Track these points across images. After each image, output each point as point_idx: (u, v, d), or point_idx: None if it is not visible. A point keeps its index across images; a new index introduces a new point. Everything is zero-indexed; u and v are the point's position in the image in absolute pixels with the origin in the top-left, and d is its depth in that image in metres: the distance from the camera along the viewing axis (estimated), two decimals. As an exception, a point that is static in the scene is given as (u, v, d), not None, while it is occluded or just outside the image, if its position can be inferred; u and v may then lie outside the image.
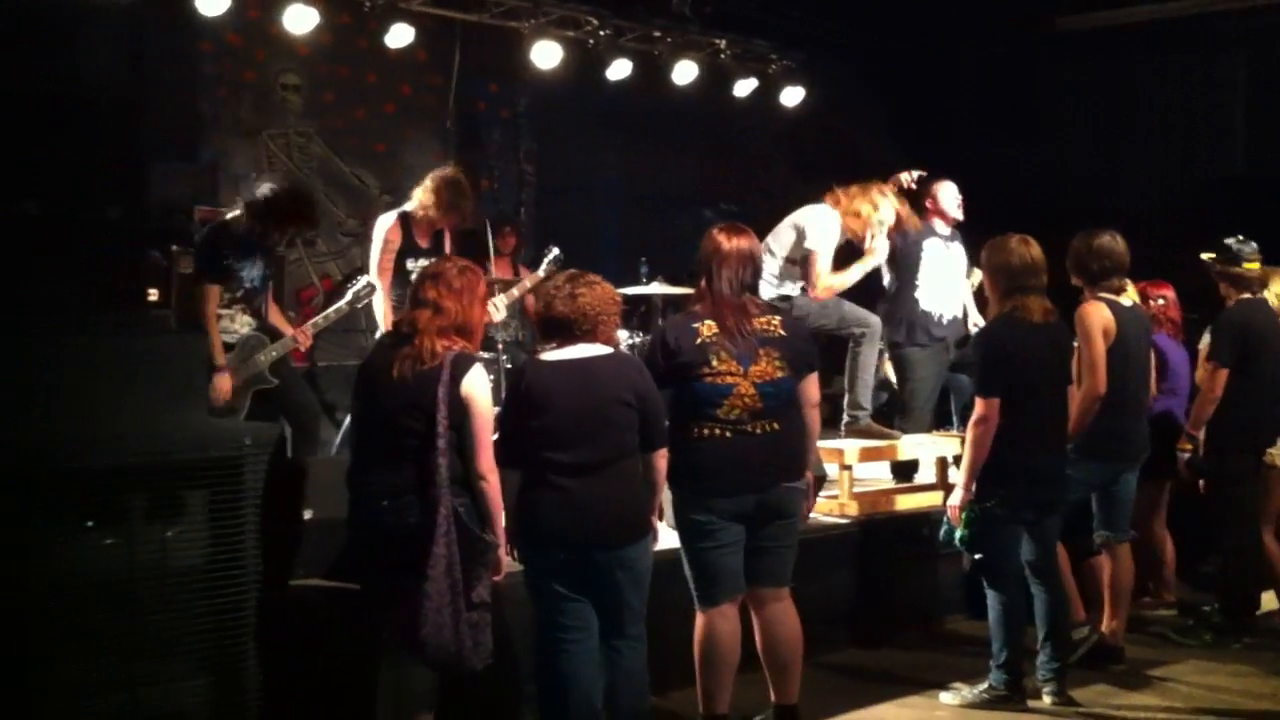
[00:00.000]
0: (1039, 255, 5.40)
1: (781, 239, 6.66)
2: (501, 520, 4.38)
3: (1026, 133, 10.45)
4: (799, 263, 6.59)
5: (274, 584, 4.58)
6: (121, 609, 4.24)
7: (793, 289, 6.67)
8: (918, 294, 7.17)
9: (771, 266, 6.49)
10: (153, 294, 6.77)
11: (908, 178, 7.17)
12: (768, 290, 6.54)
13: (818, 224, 6.59)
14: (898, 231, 6.76)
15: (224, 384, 5.84)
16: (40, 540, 4.14)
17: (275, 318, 6.33)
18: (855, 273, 6.65)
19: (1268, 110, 9.91)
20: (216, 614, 4.39)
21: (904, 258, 7.09)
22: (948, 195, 7.28)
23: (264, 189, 6.12)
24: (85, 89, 6.75)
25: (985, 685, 5.40)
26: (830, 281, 6.55)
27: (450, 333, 4.34)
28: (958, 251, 7.35)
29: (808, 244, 6.55)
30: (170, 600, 4.32)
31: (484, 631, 4.26)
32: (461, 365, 4.29)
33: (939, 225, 7.26)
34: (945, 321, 7.22)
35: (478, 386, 4.30)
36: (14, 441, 4.06)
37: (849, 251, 6.75)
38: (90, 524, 4.28)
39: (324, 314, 6.39)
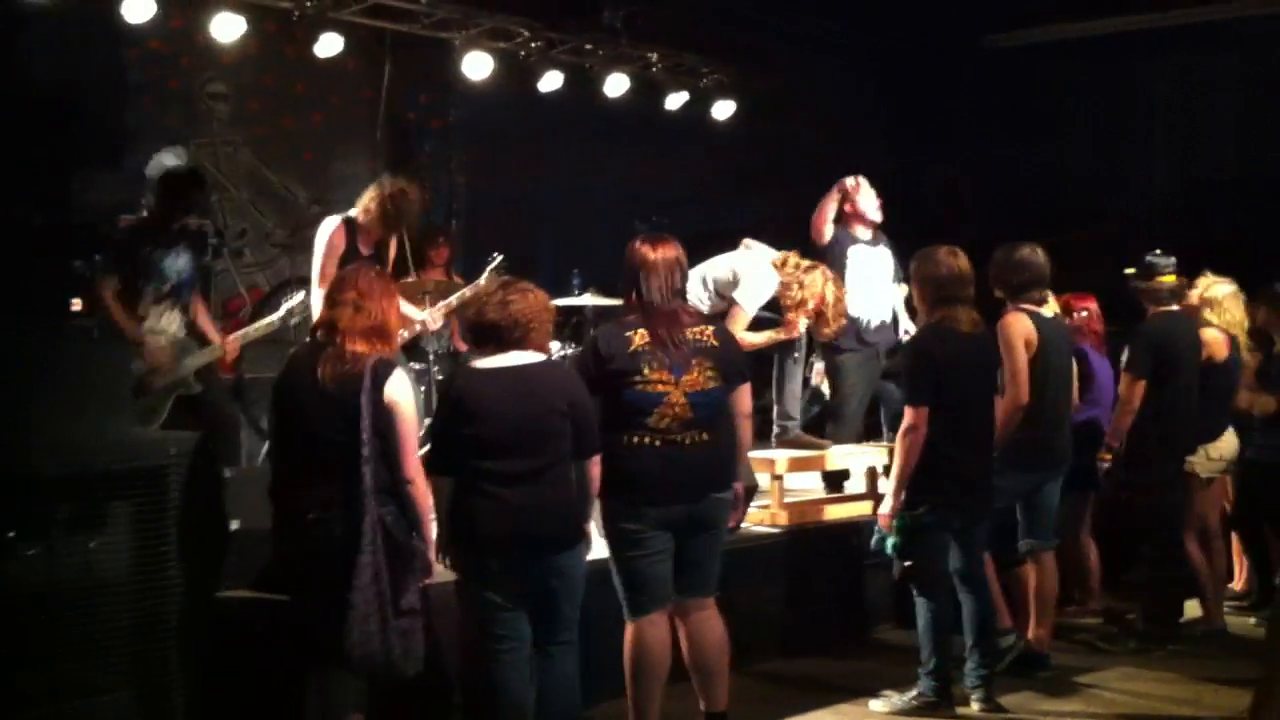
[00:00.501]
0: (966, 266, 5.48)
1: (718, 274, 6.72)
2: (431, 524, 4.35)
3: (1026, 133, 10.48)
4: (725, 304, 6.66)
5: (199, 594, 4.51)
6: (44, 619, 4.18)
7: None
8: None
9: (701, 294, 6.56)
10: (76, 304, 6.67)
11: (852, 182, 7.23)
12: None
13: (754, 283, 6.65)
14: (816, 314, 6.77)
15: (155, 347, 5.79)
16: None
17: (203, 321, 6.26)
18: (763, 339, 6.71)
19: (1260, 113, 10.01)
20: (141, 625, 4.34)
21: (829, 265, 7.07)
22: (867, 198, 7.29)
23: (160, 160, 6.10)
24: (14, 88, 6.64)
25: (914, 692, 5.44)
26: (742, 337, 6.42)
27: (371, 335, 4.31)
28: (884, 255, 7.38)
29: (737, 295, 6.62)
30: (94, 611, 4.26)
31: (413, 638, 4.23)
32: (383, 370, 4.26)
33: (860, 230, 7.29)
34: (874, 327, 7.26)
35: (400, 391, 4.28)
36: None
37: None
38: (11, 534, 4.21)
39: (254, 325, 6.33)
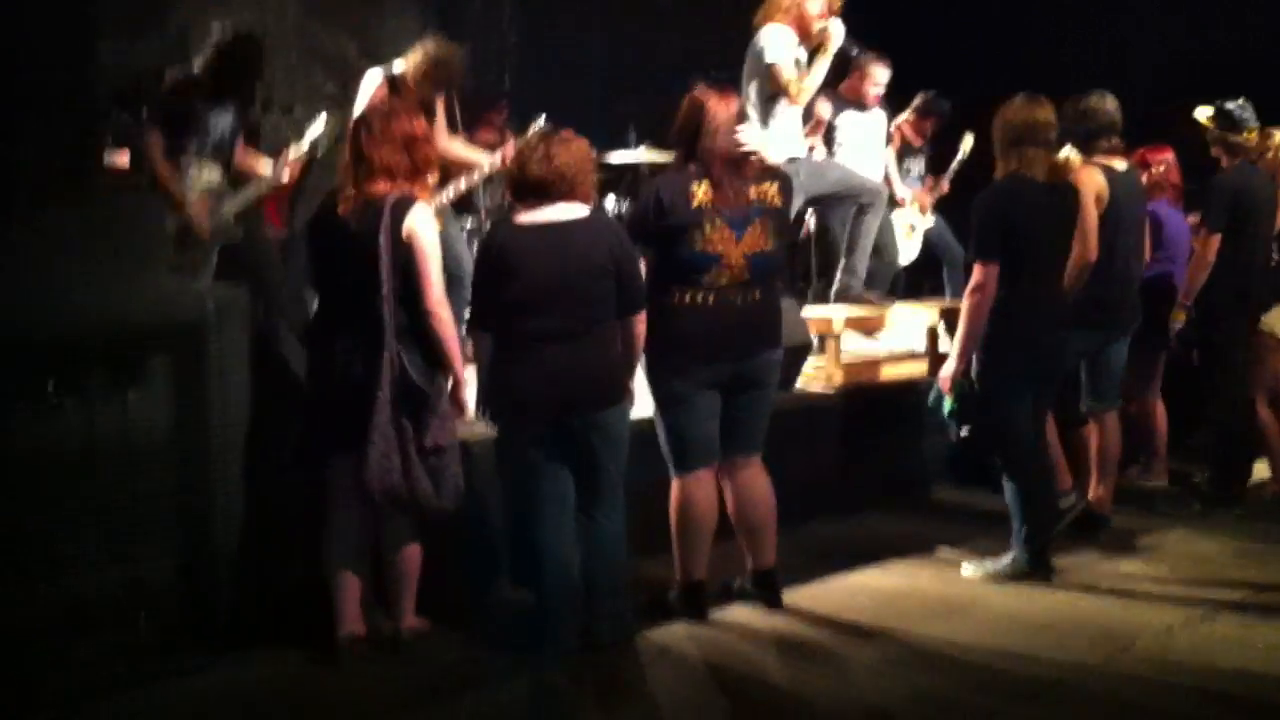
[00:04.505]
0: (1046, 113, 5.15)
1: (748, 77, 6.43)
2: (457, 353, 4.30)
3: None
4: (771, 94, 6.37)
5: (239, 451, 4.49)
6: (84, 480, 4.17)
7: (792, 147, 6.48)
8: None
9: (754, 120, 6.31)
10: (123, 160, 6.59)
11: (873, 66, 7.26)
12: (770, 150, 6.34)
13: (767, 39, 6.36)
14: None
15: (199, 211, 5.73)
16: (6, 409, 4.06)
17: (245, 163, 6.15)
18: (820, 67, 6.40)
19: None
20: (181, 483, 4.33)
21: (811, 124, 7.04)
22: (875, 82, 7.33)
23: (217, 33, 5.95)
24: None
25: (1008, 559, 5.25)
26: (803, 85, 6.33)
27: (382, 177, 4.24)
28: (878, 118, 7.45)
29: (766, 59, 6.33)
30: (134, 469, 4.25)
31: (444, 474, 4.23)
32: (401, 207, 4.21)
33: (853, 100, 7.34)
34: None
35: (420, 225, 4.22)
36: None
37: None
38: (50, 392, 4.17)
39: (282, 158, 6.18)
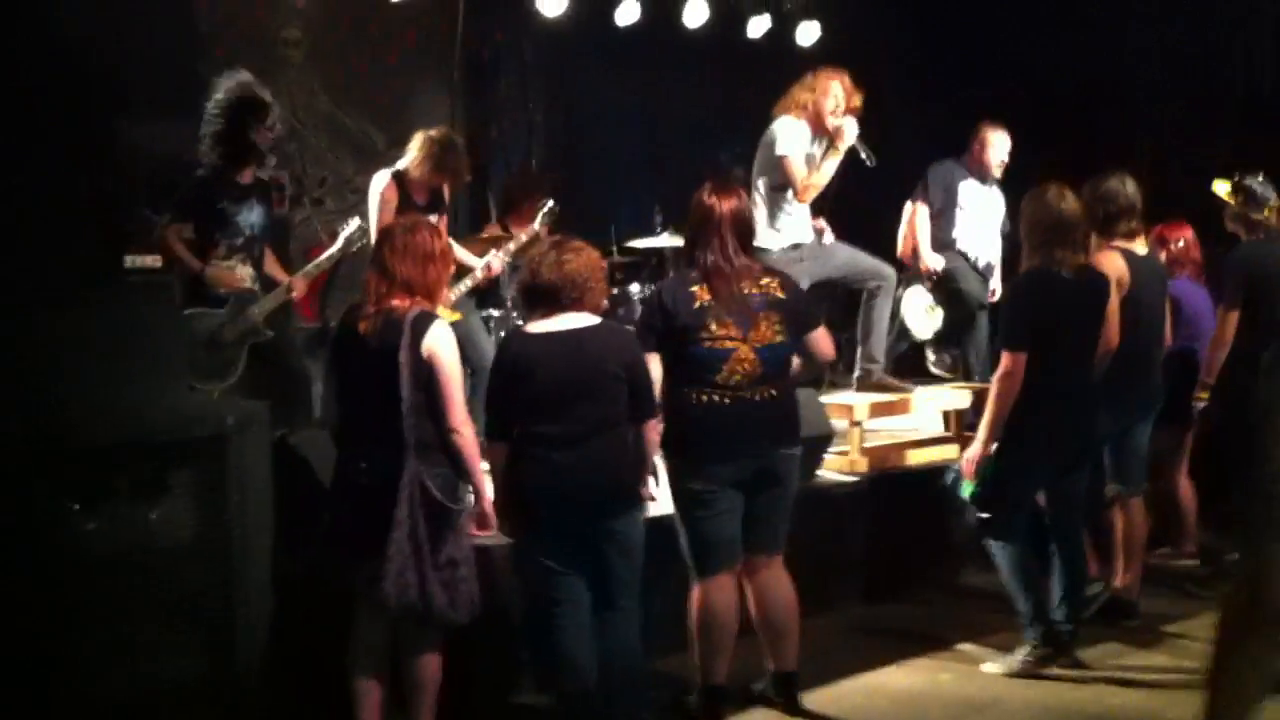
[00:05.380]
0: (1076, 208, 5.23)
1: (759, 168, 6.52)
2: (480, 471, 4.35)
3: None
4: (780, 184, 6.44)
5: (261, 561, 4.54)
6: (113, 588, 4.23)
7: (798, 234, 6.53)
8: (955, 232, 7.19)
9: (761, 209, 6.38)
10: (154, 260, 6.68)
11: (989, 132, 7.21)
12: (771, 238, 6.41)
13: (781, 131, 6.44)
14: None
15: (229, 277, 5.83)
16: (27, 519, 4.12)
17: (272, 268, 6.27)
18: (830, 165, 6.43)
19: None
20: (204, 592, 4.39)
21: (929, 192, 7.15)
22: (996, 151, 7.22)
23: (227, 85, 6.05)
24: (80, 38, 6.58)
25: (1025, 649, 5.22)
26: (811, 181, 6.38)
27: (402, 292, 4.32)
28: (995, 197, 7.34)
29: (778, 151, 6.40)
30: (157, 580, 4.30)
31: (460, 587, 4.29)
32: (421, 324, 4.28)
33: (974, 169, 7.25)
34: (981, 266, 7.27)
35: (440, 343, 4.28)
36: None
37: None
38: (76, 505, 4.24)
39: (315, 262, 6.31)
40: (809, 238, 6.62)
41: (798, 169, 6.36)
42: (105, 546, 4.22)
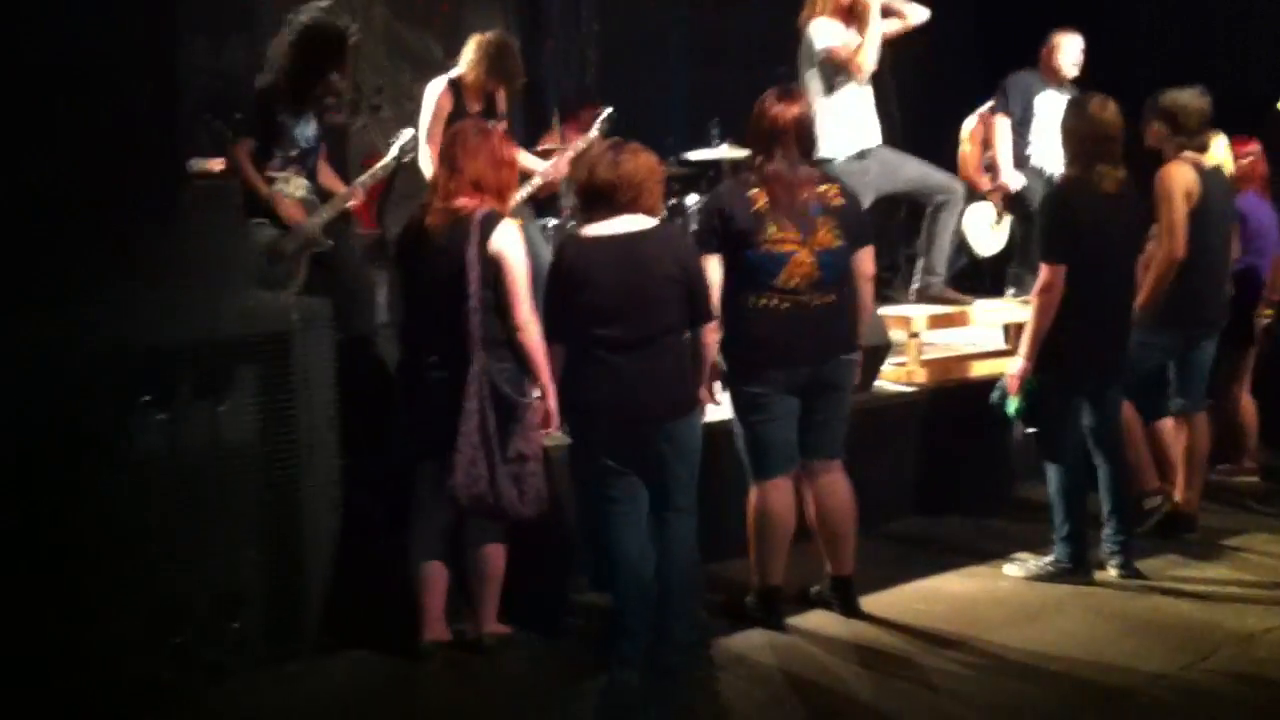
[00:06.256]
0: (1116, 120, 5.15)
1: (807, 80, 6.37)
2: (544, 365, 4.38)
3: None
4: (832, 85, 6.34)
5: (326, 460, 4.61)
6: (175, 486, 4.31)
7: (862, 138, 6.45)
8: (1030, 149, 6.97)
9: (820, 119, 6.28)
10: (218, 165, 6.71)
11: (1059, 38, 7.00)
12: (833, 147, 6.28)
13: (815, 32, 6.33)
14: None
15: (288, 202, 5.84)
16: (94, 417, 4.19)
17: (327, 179, 6.26)
18: (872, 34, 6.29)
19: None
20: (269, 490, 4.46)
21: (1003, 107, 6.95)
22: (1068, 49, 6.99)
23: (300, 19, 5.99)
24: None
25: (1050, 558, 5.29)
26: (862, 58, 6.26)
27: (471, 190, 4.37)
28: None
29: (818, 47, 6.30)
30: (222, 478, 4.38)
31: (528, 481, 4.37)
32: (489, 223, 4.34)
33: (1049, 77, 7.02)
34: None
35: (507, 242, 4.35)
36: (63, 321, 4.08)
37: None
38: (145, 400, 4.31)
39: (370, 172, 6.30)
40: (874, 140, 6.52)
41: (843, 51, 6.28)
42: (174, 443, 4.30)
